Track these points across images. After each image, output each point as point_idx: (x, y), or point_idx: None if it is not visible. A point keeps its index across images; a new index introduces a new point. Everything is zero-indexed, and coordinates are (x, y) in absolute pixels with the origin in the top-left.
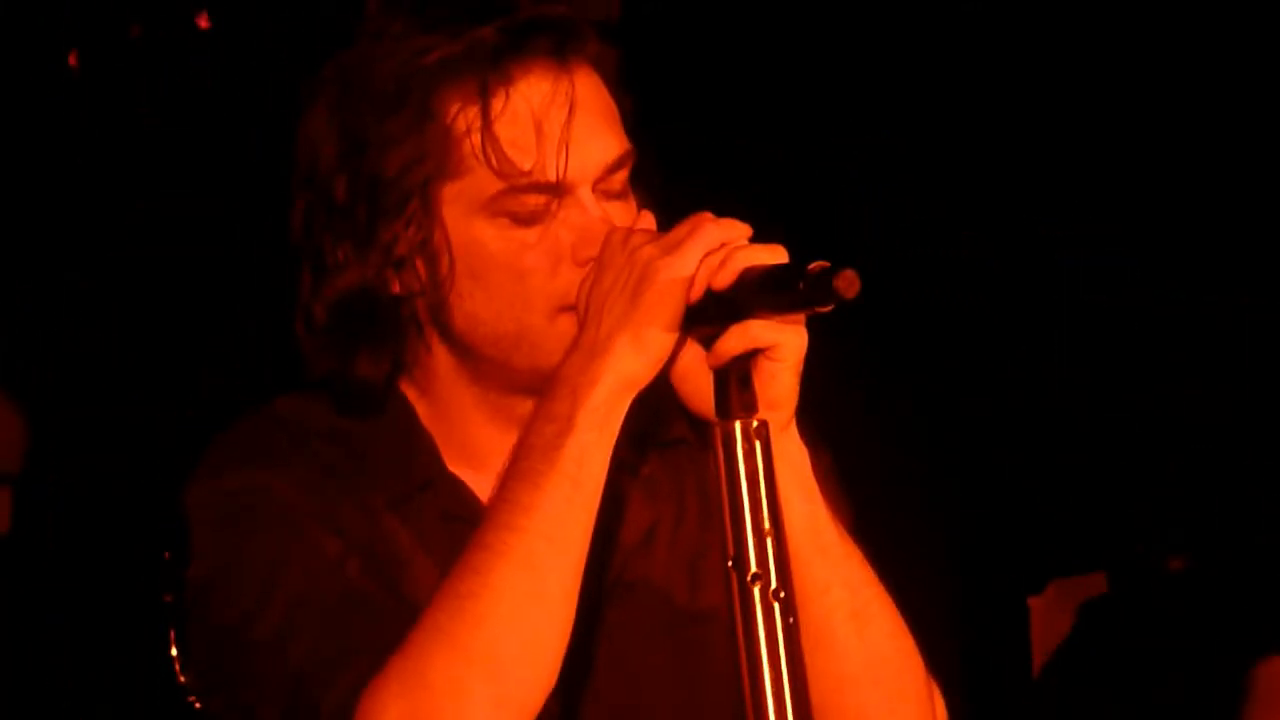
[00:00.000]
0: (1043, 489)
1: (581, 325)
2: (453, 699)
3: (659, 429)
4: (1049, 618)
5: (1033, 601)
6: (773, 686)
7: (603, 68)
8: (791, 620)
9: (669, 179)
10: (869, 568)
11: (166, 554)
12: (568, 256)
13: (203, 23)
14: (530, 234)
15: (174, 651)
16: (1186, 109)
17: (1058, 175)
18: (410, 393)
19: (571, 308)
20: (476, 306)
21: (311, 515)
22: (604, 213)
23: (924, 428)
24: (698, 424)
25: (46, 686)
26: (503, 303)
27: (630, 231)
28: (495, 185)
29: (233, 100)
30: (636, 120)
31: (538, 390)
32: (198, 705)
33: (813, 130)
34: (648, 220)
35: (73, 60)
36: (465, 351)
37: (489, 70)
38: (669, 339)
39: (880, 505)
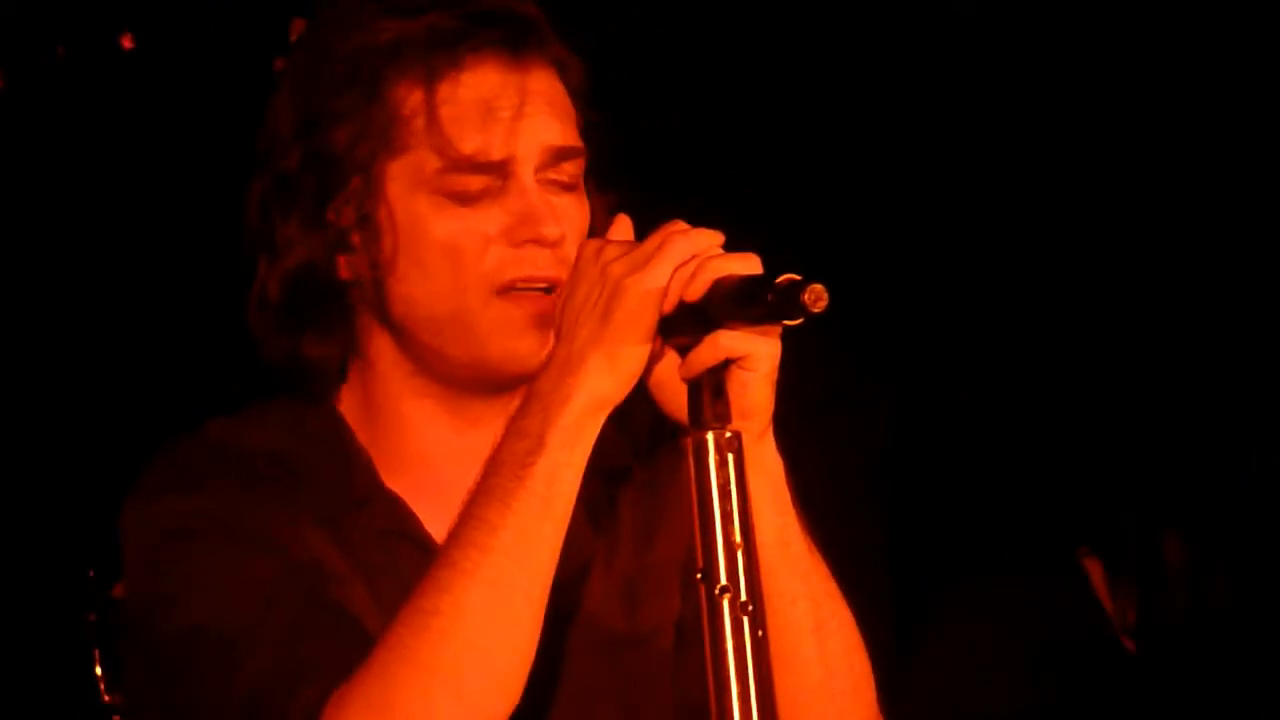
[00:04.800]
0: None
1: (556, 341)
2: (416, 716)
3: (605, 458)
4: None
5: None
6: (739, 700)
7: (566, 75)
8: (760, 633)
9: (644, 184)
10: (833, 581)
11: (90, 572)
12: (503, 238)
13: (126, 43)
14: (469, 214)
15: (98, 670)
16: (1184, 106)
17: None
18: (348, 406)
19: (507, 290)
20: (412, 288)
21: (251, 534)
22: (545, 198)
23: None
24: (657, 441)
25: None
26: (437, 284)
27: (604, 244)
28: (437, 163)
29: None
30: (607, 131)
31: (481, 386)
32: None
33: (802, 126)
34: (624, 227)
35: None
36: (405, 338)
37: (440, 54)
38: (642, 354)
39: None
